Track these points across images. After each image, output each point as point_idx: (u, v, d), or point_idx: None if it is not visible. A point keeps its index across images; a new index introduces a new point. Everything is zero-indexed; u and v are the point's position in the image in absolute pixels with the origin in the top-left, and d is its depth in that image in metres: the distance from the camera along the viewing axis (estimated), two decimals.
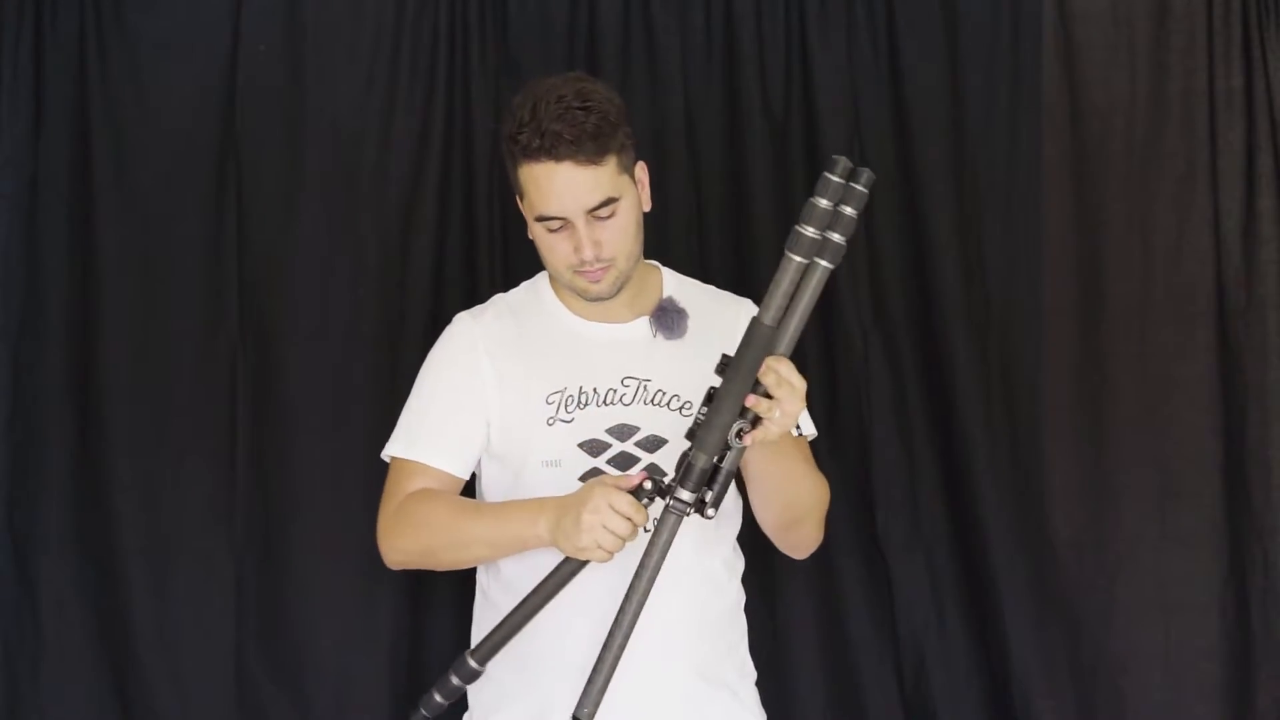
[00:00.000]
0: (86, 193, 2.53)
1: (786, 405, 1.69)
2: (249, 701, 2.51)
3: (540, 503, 1.79)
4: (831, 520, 2.52)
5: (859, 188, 1.66)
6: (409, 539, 1.90)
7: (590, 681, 1.71)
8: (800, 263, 1.67)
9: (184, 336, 2.54)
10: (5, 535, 2.50)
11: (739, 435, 1.68)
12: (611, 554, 1.71)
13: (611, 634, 1.71)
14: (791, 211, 2.58)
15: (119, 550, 2.49)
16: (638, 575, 1.71)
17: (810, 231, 1.66)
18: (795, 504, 1.94)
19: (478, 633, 1.98)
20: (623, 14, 2.60)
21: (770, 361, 1.68)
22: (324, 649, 2.52)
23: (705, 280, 2.12)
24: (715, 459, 1.69)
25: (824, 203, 1.66)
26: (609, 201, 1.83)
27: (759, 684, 2.03)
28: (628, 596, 1.71)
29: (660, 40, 2.60)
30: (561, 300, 1.97)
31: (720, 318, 1.99)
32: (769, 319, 1.68)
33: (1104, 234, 2.58)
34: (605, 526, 1.68)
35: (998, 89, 2.60)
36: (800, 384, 1.70)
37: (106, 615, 2.50)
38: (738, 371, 1.68)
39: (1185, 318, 2.56)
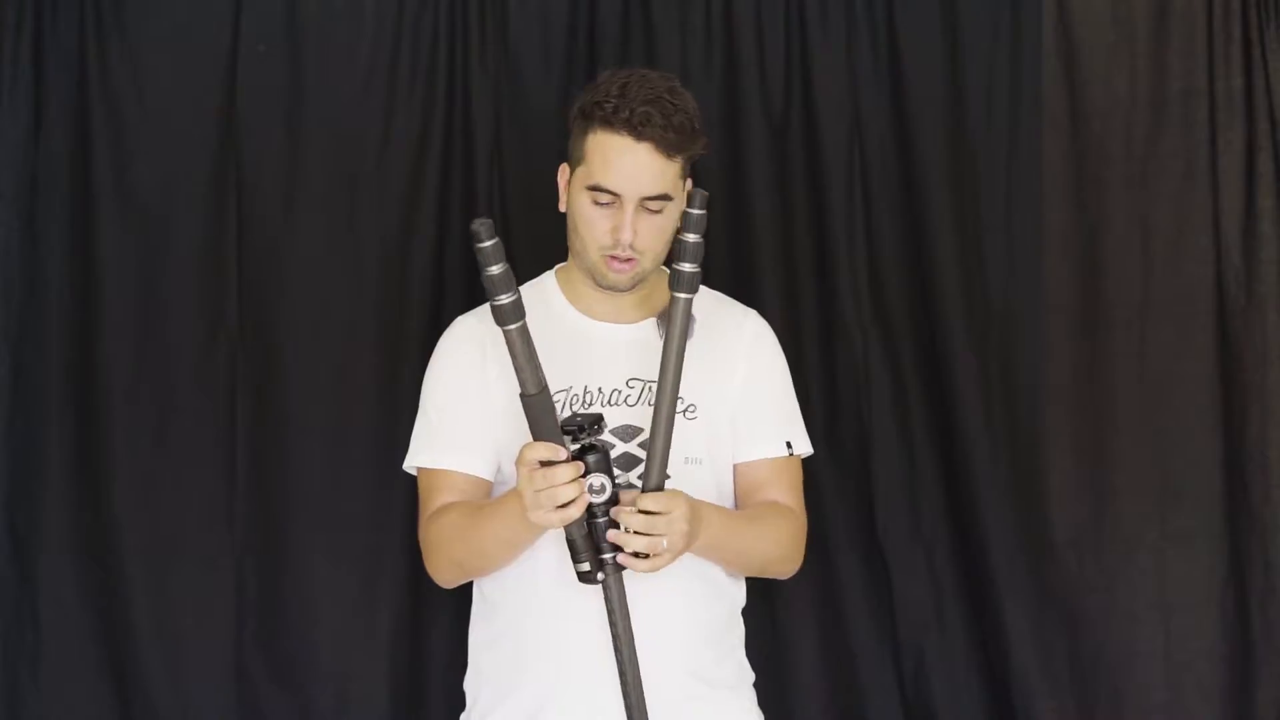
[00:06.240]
0: (86, 193, 2.53)
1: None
2: (249, 701, 2.51)
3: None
4: (831, 520, 2.55)
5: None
6: (443, 562, 1.90)
7: None
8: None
9: (184, 336, 2.54)
10: (5, 536, 2.50)
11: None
12: (563, 513, 1.66)
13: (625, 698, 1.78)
14: (792, 211, 2.61)
15: (119, 550, 2.49)
16: (615, 648, 1.77)
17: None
18: (749, 567, 1.98)
19: (475, 632, 1.98)
20: (623, 14, 2.60)
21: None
22: (324, 649, 2.51)
23: (704, 281, 2.12)
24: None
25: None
26: (664, 198, 1.84)
27: (758, 684, 2.03)
28: (620, 672, 1.77)
29: (660, 40, 2.60)
30: (568, 298, 1.97)
31: (727, 324, 2.00)
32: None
33: (1104, 234, 2.58)
34: (540, 492, 1.65)
35: (998, 89, 2.60)
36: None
37: (106, 615, 2.50)
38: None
39: (1185, 318, 2.56)
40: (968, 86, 2.60)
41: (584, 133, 1.86)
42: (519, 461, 1.66)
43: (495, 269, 1.63)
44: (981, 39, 2.61)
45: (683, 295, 1.78)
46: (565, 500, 1.64)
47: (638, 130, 1.81)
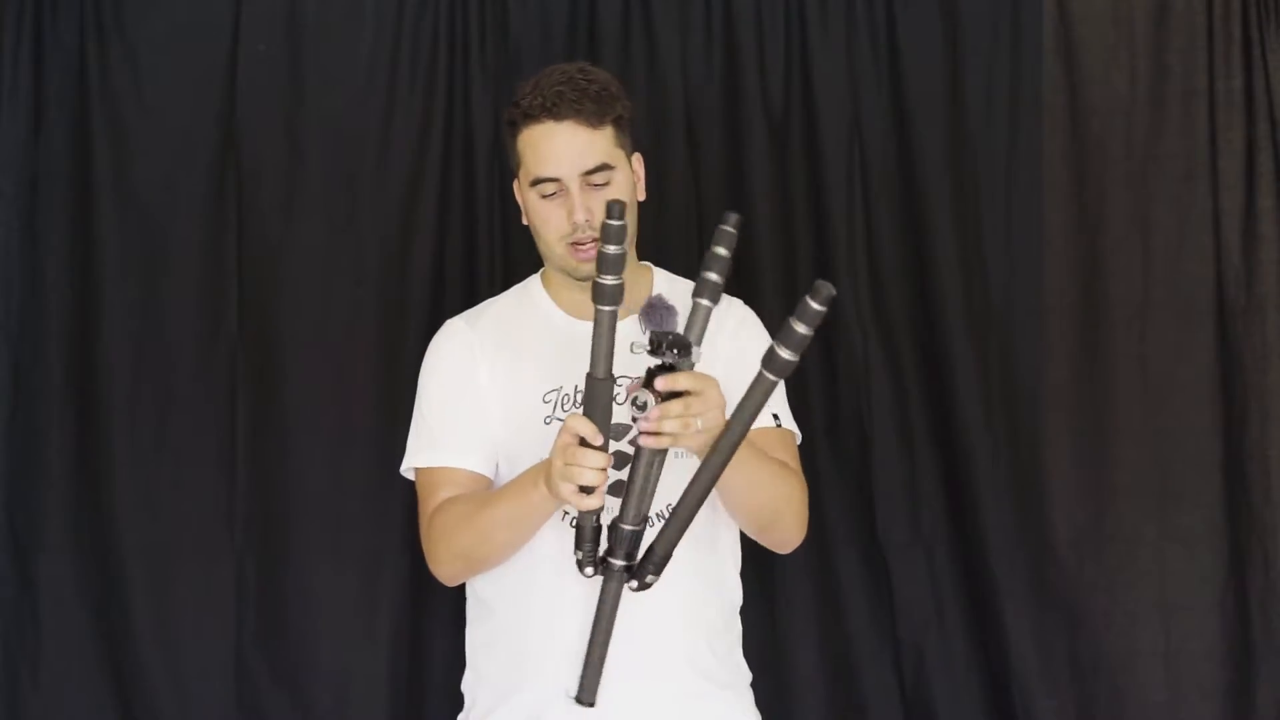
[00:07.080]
0: (86, 193, 2.53)
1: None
2: (249, 701, 2.51)
3: (538, 465, 1.77)
4: (831, 520, 2.55)
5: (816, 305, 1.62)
6: (444, 551, 1.90)
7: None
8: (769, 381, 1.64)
9: (184, 337, 2.54)
10: (5, 535, 2.51)
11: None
12: (580, 498, 1.64)
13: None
14: (791, 211, 2.61)
15: (119, 550, 2.50)
16: (588, 650, 1.75)
17: (787, 354, 1.63)
18: (763, 509, 1.92)
19: (472, 630, 1.98)
20: (623, 14, 2.60)
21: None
22: (324, 649, 2.52)
23: None
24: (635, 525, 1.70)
25: (804, 329, 1.62)
26: (604, 168, 1.85)
27: (757, 684, 2.03)
28: (582, 675, 1.76)
29: (660, 40, 2.60)
30: (554, 299, 1.97)
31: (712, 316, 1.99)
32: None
33: (1104, 234, 2.59)
34: (568, 466, 1.64)
35: (998, 89, 2.61)
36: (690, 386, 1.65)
37: (106, 615, 2.50)
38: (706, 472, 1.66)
39: (1185, 318, 2.57)
40: (968, 86, 2.61)
41: (514, 138, 1.90)
42: (562, 429, 1.67)
43: (614, 249, 1.62)
44: (981, 39, 2.61)
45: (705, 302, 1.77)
46: (588, 483, 1.64)
47: (554, 110, 1.83)
